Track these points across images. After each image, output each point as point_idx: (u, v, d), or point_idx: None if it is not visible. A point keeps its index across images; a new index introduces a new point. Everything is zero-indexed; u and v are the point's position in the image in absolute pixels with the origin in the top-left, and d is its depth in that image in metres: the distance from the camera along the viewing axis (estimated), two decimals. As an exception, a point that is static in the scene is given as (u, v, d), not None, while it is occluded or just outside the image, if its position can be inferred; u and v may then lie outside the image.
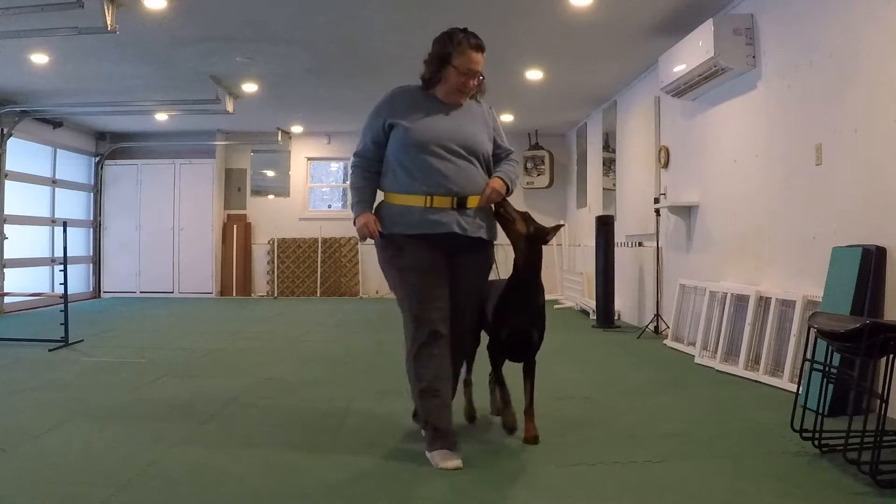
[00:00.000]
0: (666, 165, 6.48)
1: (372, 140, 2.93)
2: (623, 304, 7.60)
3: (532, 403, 3.05)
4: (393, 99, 2.95)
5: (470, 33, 2.95)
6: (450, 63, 2.86)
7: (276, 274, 11.04)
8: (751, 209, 4.84)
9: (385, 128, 2.90)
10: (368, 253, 11.17)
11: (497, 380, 3.13)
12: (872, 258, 3.41)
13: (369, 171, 2.95)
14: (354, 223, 2.94)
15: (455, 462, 2.66)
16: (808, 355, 2.96)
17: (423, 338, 2.80)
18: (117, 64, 6.64)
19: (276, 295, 10.94)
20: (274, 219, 11.20)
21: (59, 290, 5.93)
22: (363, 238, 2.96)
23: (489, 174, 2.95)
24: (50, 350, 5.44)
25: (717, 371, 4.69)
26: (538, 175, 10.85)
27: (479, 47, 2.93)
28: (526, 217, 3.01)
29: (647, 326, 6.52)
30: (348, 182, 2.90)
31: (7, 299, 8.36)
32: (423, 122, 2.86)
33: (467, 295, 2.96)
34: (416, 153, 2.83)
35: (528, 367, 3.09)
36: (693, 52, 5.07)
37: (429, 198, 2.81)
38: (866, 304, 3.41)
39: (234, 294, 10.98)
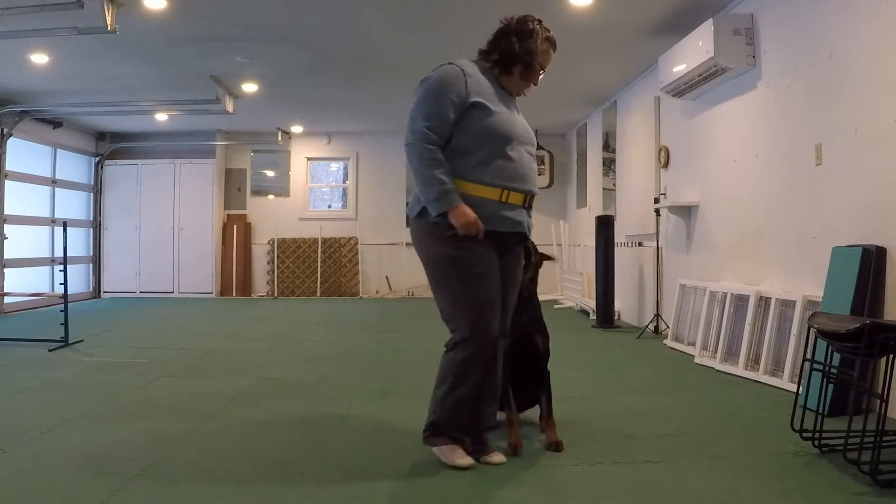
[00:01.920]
0: (666, 165, 6.47)
1: (453, 115, 2.59)
2: (623, 304, 7.60)
3: (551, 412, 3.03)
4: (470, 74, 2.66)
5: (545, 27, 2.79)
6: (533, 59, 2.74)
7: (276, 274, 11.04)
8: (751, 209, 4.84)
9: (467, 105, 2.61)
10: (368, 253, 11.19)
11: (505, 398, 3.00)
12: (872, 258, 3.41)
13: (442, 155, 2.59)
14: (446, 216, 2.55)
15: (469, 460, 2.63)
16: (808, 355, 2.96)
17: (481, 348, 2.61)
18: (117, 64, 6.64)
19: (276, 295, 10.94)
20: (274, 219, 11.21)
21: (59, 290, 5.93)
22: (466, 235, 2.58)
23: None
24: (50, 350, 5.44)
25: (717, 371, 4.69)
26: (538, 175, 10.84)
27: (555, 45, 2.82)
28: (535, 246, 3.04)
29: (647, 326, 6.52)
30: (421, 167, 2.56)
31: (7, 299, 8.37)
32: (502, 109, 2.67)
33: (511, 295, 2.82)
34: (498, 142, 2.62)
35: (539, 380, 3.07)
36: (693, 52, 5.07)
37: (505, 192, 2.63)
38: (866, 304, 3.41)
39: (234, 294, 10.99)
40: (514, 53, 2.74)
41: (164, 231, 10.89)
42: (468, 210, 2.56)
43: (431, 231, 2.63)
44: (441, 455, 2.68)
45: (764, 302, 4.52)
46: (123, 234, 10.88)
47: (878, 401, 2.51)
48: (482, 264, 2.62)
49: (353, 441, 3.06)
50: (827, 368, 2.86)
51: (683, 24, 5.34)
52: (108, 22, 4.87)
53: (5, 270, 8.44)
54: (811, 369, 3.02)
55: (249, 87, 7.68)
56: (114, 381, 4.30)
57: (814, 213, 4.06)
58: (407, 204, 2.82)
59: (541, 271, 3.17)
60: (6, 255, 8.45)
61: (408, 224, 2.78)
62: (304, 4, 5.19)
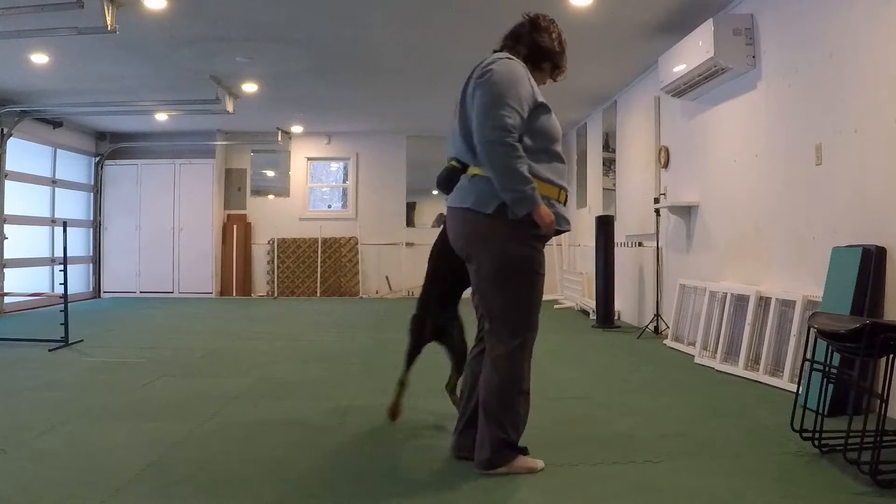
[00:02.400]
0: (666, 165, 6.47)
1: (526, 112, 2.51)
2: (623, 304, 7.60)
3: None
4: (528, 73, 2.62)
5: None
6: (562, 56, 2.80)
7: (276, 274, 11.04)
8: (751, 209, 4.84)
9: (534, 103, 2.55)
10: (368, 253, 11.19)
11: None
12: (872, 258, 3.41)
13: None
14: (532, 215, 2.46)
15: (540, 461, 2.64)
16: (808, 355, 2.96)
17: (532, 344, 2.61)
18: (117, 64, 6.64)
19: (276, 295, 10.94)
20: (274, 219, 11.21)
21: (59, 290, 5.93)
22: (545, 235, 2.54)
23: None
24: (50, 350, 5.44)
25: (717, 371, 4.69)
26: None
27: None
28: None
29: (647, 326, 6.52)
30: (510, 164, 2.40)
31: (7, 299, 8.37)
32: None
33: None
34: (556, 142, 2.62)
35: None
36: (693, 52, 5.07)
37: (562, 192, 2.61)
38: (866, 304, 3.41)
39: (234, 294, 10.99)
40: (545, 49, 2.74)
41: (164, 231, 10.89)
42: (549, 210, 2.50)
43: (511, 230, 2.50)
44: (514, 470, 2.56)
45: (764, 302, 4.52)
46: (123, 234, 10.88)
47: (878, 401, 2.51)
48: (544, 265, 2.61)
49: (353, 441, 3.06)
50: (827, 368, 2.86)
51: (683, 24, 5.34)
52: (108, 22, 4.87)
53: (5, 270, 8.44)
54: (811, 369, 3.02)
55: (249, 87, 7.68)
56: (114, 381, 4.30)
57: (814, 213, 4.06)
58: (456, 200, 2.62)
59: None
60: (6, 255, 8.45)
61: (460, 219, 2.60)
62: (304, 4, 5.19)
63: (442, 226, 2.93)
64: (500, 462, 2.55)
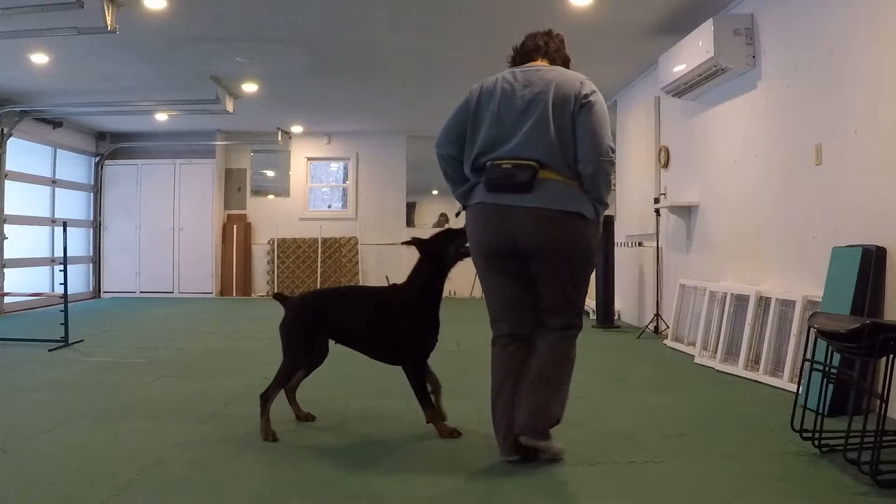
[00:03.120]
0: (666, 165, 6.48)
1: None
2: (623, 303, 7.60)
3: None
4: None
5: None
6: None
7: (276, 274, 11.04)
8: (751, 209, 4.84)
9: None
10: (368, 253, 11.19)
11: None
12: (872, 258, 3.41)
13: None
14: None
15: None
16: (808, 355, 2.96)
17: None
18: (117, 64, 6.64)
19: (276, 295, 10.93)
20: (274, 219, 11.21)
21: (59, 290, 5.93)
22: None
23: None
24: (50, 350, 5.44)
25: (717, 371, 4.69)
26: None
27: None
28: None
29: (647, 326, 6.52)
30: (609, 180, 2.78)
31: (7, 299, 8.36)
32: None
33: None
34: None
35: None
36: (693, 52, 5.07)
37: None
38: (866, 304, 3.41)
39: (234, 294, 10.99)
40: (569, 62, 2.95)
41: (164, 231, 10.89)
42: None
43: (596, 232, 2.79)
44: (553, 448, 2.73)
45: (764, 302, 4.52)
46: (123, 234, 10.88)
47: (878, 401, 2.51)
48: None
49: (353, 441, 3.06)
50: (827, 368, 2.86)
51: (683, 24, 5.34)
52: (108, 22, 4.87)
53: (5, 270, 8.44)
54: (811, 369, 3.02)
55: (249, 87, 7.68)
56: (114, 381, 4.30)
57: (814, 213, 4.06)
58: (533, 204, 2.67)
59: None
60: (6, 255, 8.45)
61: (559, 221, 2.68)
62: (304, 4, 5.19)
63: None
64: (548, 435, 2.71)
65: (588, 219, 2.72)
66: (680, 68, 5.32)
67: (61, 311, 5.77)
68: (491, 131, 2.72)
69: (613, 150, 2.73)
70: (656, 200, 6.50)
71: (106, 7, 4.82)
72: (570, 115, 2.68)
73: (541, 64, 2.84)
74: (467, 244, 2.88)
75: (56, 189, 9.79)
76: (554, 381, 2.70)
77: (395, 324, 3.12)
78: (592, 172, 2.68)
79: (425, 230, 10.95)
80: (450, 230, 3.17)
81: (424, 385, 3.09)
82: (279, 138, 10.67)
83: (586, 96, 2.70)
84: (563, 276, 2.72)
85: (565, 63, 2.92)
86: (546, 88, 2.71)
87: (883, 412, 2.50)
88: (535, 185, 2.65)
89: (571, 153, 2.68)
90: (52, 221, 9.56)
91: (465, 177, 2.83)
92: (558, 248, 2.69)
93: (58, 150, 9.78)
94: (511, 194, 2.67)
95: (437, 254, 3.12)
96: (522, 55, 2.91)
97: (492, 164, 2.70)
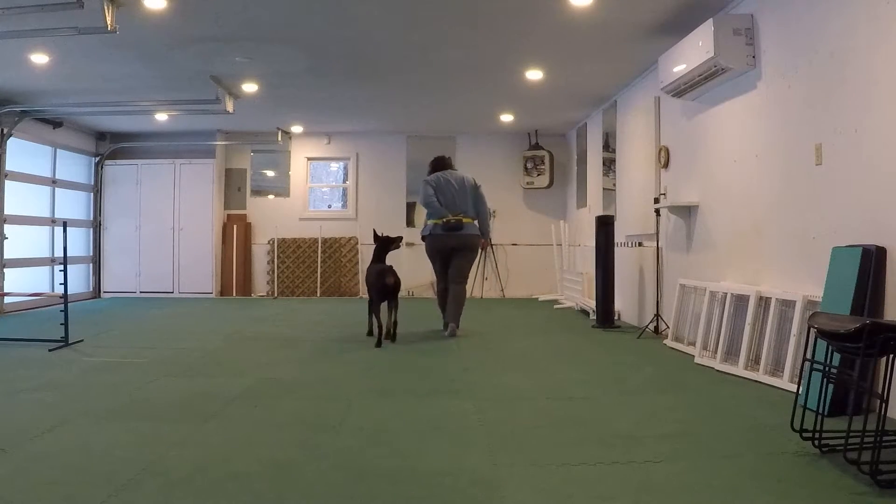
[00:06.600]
0: (666, 165, 6.48)
1: None
2: (623, 304, 7.60)
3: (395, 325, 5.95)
4: None
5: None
6: None
7: (276, 274, 11.04)
8: (751, 209, 4.84)
9: None
10: (368, 253, 11.08)
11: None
12: (872, 258, 3.41)
13: None
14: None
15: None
16: (808, 355, 2.97)
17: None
18: (117, 64, 6.64)
19: (275, 295, 10.94)
20: (274, 219, 11.21)
21: (59, 290, 5.93)
22: None
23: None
24: (50, 350, 5.44)
25: (717, 371, 4.69)
26: (538, 175, 10.86)
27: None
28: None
29: (647, 326, 6.52)
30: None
31: (7, 299, 8.37)
32: None
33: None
34: None
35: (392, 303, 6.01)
36: (693, 52, 5.07)
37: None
38: (866, 304, 3.41)
39: (234, 294, 10.99)
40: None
41: (164, 231, 10.89)
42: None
43: (481, 242, 6.87)
44: (455, 331, 6.29)
45: (764, 302, 4.52)
46: (123, 234, 10.88)
47: (878, 401, 2.51)
48: None
49: (353, 441, 3.06)
50: (827, 368, 2.86)
51: (683, 24, 5.34)
52: (108, 22, 4.87)
53: (5, 270, 8.44)
54: (811, 369, 3.02)
55: (249, 87, 7.69)
56: (114, 381, 4.30)
57: (813, 213, 4.06)
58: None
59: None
60: (6, 255, 8.45)
61: (471, 236, 6.59)
62: (304, 4, 5.19)
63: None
64: (458, 325, 6.36)
65: (478, 236, 6.45)
66: (680, 68, 5.32)
67: (61, 311, 5.77)
68: (447, 199, 6.37)
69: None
70: (656, 200, 6.50)
71: (106, 7, 4.82)
72: (472, 191, 6.44)
73: (452, 170, 6.55)
74: (400, 244, 6.48)
75: (56, 189, 9.79)
76: (458, 304, 6.38)
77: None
78: (483, 215, 6.50)
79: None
80: (393, 237, 6.48)
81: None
82: (279, 138, 10.67)
83: (478, 185, 6.49)
84: (461, 261, 6.38)
85: (453, 166, 6.65)
86: (462, 180, 6.44)
87: (883, 412, 2.50)
88: (463, 226, 6.35)
89: (474, 209, 6.43)
90: (52, 221, 9.56)
91: (440, 208, 6.37)
92: (466, 247, 6.38)
93: (58, 150, 9.78)
94: (454, 231, 6.33)
95: (385, 244, 6.38)
96: (441, 165, 6.54)
97: (447, 218, 6.35)
